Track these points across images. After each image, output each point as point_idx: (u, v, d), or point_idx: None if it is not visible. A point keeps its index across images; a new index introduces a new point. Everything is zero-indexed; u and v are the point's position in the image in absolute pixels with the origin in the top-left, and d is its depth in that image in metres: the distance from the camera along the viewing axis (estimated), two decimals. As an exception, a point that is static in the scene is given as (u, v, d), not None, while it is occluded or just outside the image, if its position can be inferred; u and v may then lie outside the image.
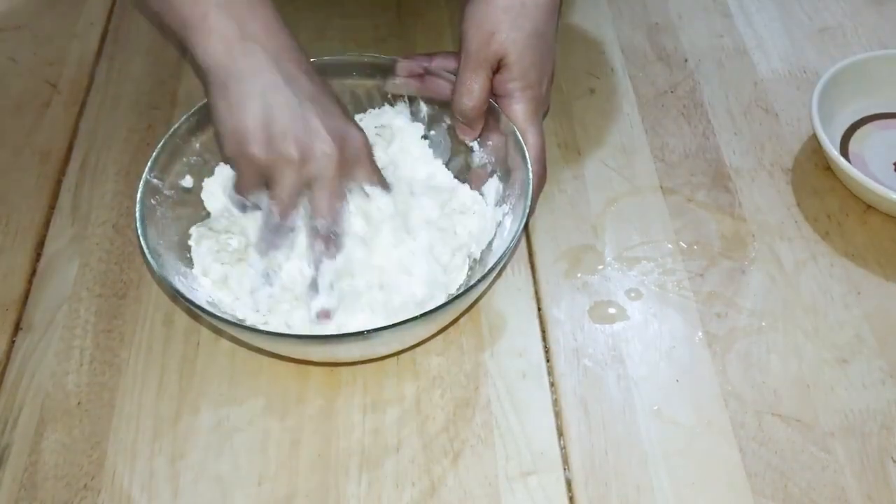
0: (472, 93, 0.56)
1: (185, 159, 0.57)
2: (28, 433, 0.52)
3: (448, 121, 0.60)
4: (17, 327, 0.57)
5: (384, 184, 0.55)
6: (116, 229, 0.62)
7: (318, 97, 0.52)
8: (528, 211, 0.52)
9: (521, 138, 0.55)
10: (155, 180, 0.54)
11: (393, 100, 0.61)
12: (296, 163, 0.51)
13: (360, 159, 0.53)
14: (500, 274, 0.59)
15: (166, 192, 0.55)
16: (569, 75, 0.72)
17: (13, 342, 0.56)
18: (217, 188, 0.58)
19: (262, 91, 0.50)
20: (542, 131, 0.58)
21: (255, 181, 0.53)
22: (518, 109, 0.57)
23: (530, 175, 0.53)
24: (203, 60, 0.52)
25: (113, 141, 0.68)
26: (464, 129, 0.58)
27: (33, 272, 0.60)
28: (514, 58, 0.55)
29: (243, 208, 0.55)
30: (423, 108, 0.61)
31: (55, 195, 0.65)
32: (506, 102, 0.57)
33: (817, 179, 0.64)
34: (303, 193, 0.52)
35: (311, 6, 0.78)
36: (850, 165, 0.59)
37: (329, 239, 0.53)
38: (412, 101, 0.61)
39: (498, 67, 0.56)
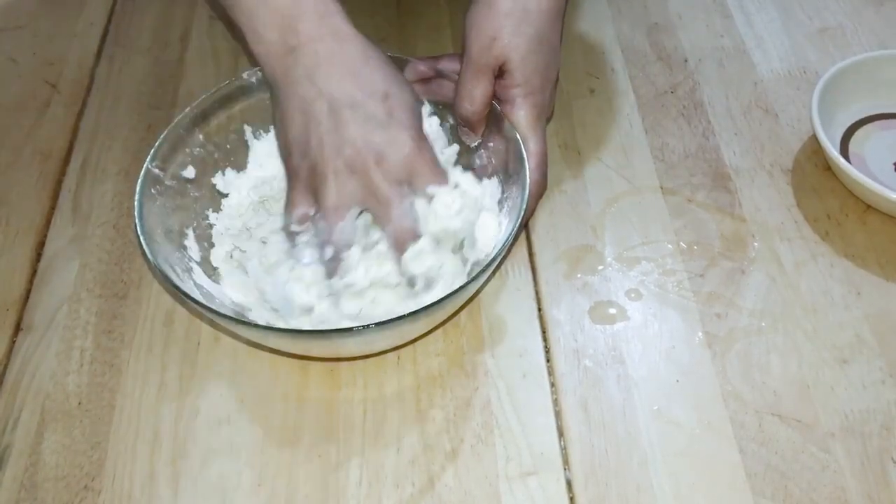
0: (474, 98, 0.56)
1: (188, 150, 0.57)
2: (28, 434, 0.52)
3: (451, 120, 0.60)
4: (17, 327, 0.57)
5: (443, 180, 0.53)
6: (116, 229, 0.62)
7: (360, 102, 0.51)
8: (523, 211, 0.52)
9: (521, 144, 0.55)
10: (156, 170, 0.55)
11: None
12: (336, 175, 0.51)
13: (412, 162, 0.51)
14: (495, 273, 0.59)
15: (168, 182, 0.55)
16: (569, 75, 0.72)
17: (13, 342, 0.56)
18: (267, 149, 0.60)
19: (301, 105, 0.51)
20: (544, 138, 0.58)
21: (302, 197, 0.53)
22: (520, 116, 0.56)
23: (527, 180, 0.53)
24: (263, 71, 0.54)
25: (113, 141, 0.68)
26: (466, 132, 0.58)
27: (33, 272, 0.60)
28: (516, 63, 0.55)
29: (293, 238, 0.54)
30: (427, 107, 0.61)
31: (55, 195, 0.65)
32: (508, 108, 0.57)
33: (817, 179, 0.64)
34: (350, 208, 0.52)
35: (311, 6, 0.78)
36: (850, 165, 0.59)
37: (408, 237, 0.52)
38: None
39: (500, 72, 0.56)
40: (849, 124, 0.66)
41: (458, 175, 0.55)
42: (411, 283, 0.53)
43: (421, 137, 0.52)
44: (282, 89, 0.52)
